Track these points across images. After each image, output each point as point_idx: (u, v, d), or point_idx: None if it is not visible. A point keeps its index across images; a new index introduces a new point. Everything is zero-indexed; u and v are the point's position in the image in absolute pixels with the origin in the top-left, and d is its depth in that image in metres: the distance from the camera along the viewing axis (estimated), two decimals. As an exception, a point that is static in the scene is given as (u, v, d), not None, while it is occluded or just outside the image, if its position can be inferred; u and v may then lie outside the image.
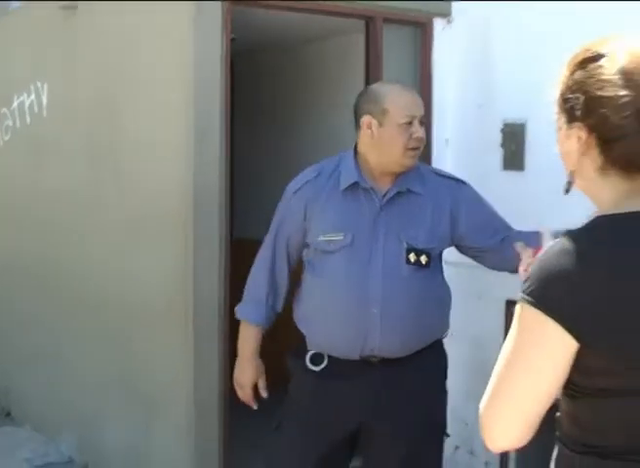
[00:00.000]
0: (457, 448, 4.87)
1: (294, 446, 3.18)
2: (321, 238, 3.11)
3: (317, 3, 4.40)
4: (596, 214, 1.56)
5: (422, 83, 4.81)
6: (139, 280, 4.46)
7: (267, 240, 3.28)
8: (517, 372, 1.54)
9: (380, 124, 3.06)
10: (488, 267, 3.30)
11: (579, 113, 1.55)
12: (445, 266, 4.49)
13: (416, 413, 3.11)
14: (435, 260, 3.17)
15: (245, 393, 3.27)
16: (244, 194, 6.18)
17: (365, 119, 3.10)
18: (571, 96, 1.58)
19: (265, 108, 6.27)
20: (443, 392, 3.31)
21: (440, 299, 3.24)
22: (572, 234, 1.53)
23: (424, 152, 4.75)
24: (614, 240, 1.51)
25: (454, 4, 4.78)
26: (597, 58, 1.56)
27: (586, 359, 1.48)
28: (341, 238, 3.07)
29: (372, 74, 4.65)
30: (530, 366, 1.52)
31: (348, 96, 5.08)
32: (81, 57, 4.98)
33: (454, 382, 4.76)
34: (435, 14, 4.78)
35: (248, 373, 3.25)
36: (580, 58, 1.60)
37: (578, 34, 4.03)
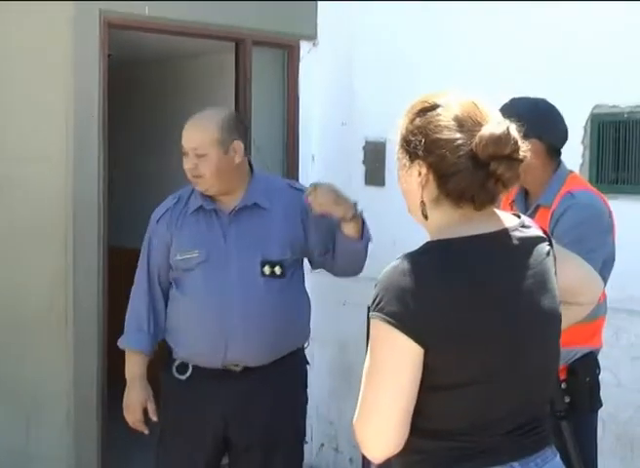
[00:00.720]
0: (322, 445, 5.17)
1: (175, 455, 3.31)
2: (178, 257, 3.26)
3: (190, 26, 4.62)
4: (428, 240, 1.86)
5: (289, 102, 5.12)
6: (21, 287, 4.56)
7: (140, 271, 3.38)
8: (378, 382, 1.77)
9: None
10: (338, 273, 3.51)
11: (420, 152, 1.83)
12: (310, 275, 4.78)
13: (275, 421, 3.25)
14: (292, 270, 3.30)
15: (135, 418, 3.32)
16: (121, 203, 6.31)
17: None
18: (412, 138, 1.85)
19: (140, 120, 6.42)
20: (304, 398, 3.46)
21: (299, 307, 3.37)
22: (409, 257, 1.80)
23: (292, 166, 5.10)
24: (444, 261, 1.80)
25: (319, 27, 5.07)
26: (434, 107, 1.85)
27: (427, 359, 1.76)
28: (197, 255, 3.22)
29: (240, 93, 4.93)
30: (389, 372, 1.76)
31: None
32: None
33: (319, 383, 5.08)
34: (302, 37, 5.08)
35: (135, 398, 3.31)
36: (418, 107, 1.88)
37: (439, 55, 4.43)
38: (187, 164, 3.24)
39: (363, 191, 4.89)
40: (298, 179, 5.06)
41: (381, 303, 1.77)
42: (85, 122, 4.28)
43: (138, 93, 6.28)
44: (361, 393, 1.81)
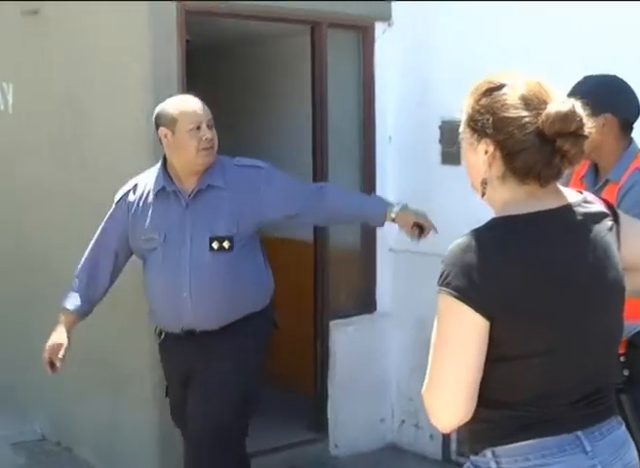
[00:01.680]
0: (403, 422, 5.24)
1: (169, 394, 3.90)
2: (142, 238, 3.68)
3: (266, 11, 4.69)
4: (494, 216, 1.92)
5: (365, 83, 5.16)
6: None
7: (92, 244, 3.84)
8: (446, 354, 1.85)
9: (173, 132, 3.56)
10: (321, 224, 4.13)
11: (488, 131, 1.89)
12: (391, 253, 4.85)
13: (218, 375, 3.60)
14: (242, 243, 3.60)
15: (44, 357, 3.74)
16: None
17: (160, 131, 3.62)
18: (480, 117, 1.91)
19: (217, 106, 6.52)
20: (253, 356, 3.72)
21: (248, 277, 3.65)
22: (475, 233, 1.87)
23: (369, 147, 5.15)
24: (509, 237, 1.86)
25: (393, 7, 5.10)
26: (500, 87, 1.91)
27: (492, 332, 1.83)
28: (157, 236, 3.61)
29: (317, 75, 4.98)
30: (455, 345, 1.83)
31: (298, 90, 5.45)
32: (45, 58, 5.23)
33: (399, 360, 5.15)
34: (376, 18, 5.11)
35: (48, 342, 3.75)
36: (484, 87, 1.94)
37: (515, 35, 4.43)
38: (208, 133, 3.57)
39: (439, 170, 4.93)
40: (374, 161, 5.13)
41: (448, 278, 1.84)
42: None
43: (215, 78, 6.39)
44: (429, 365, 1.89)
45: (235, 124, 6.41)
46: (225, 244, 3.55)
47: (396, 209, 3.75)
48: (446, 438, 4.96)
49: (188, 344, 3.64)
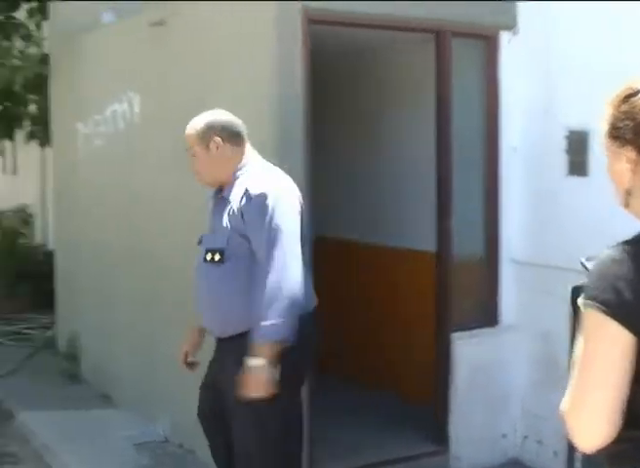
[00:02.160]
0: (525, 437, 5.13)
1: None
2: None
3: (390, 19, 4.68)
4: None
5: (489, 93, 5.08)
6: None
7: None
8: (590, 372, 1.79)
9: None
10: None
11: (629, 136, 1.87)
12: (514, 265, 4.74)
13: (228, 383, 3.41)
14: (235, 258, 3.44)
15: (179, 358, 3.84)
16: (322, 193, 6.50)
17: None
18: (621, 124, 1.89)
19: (342, 112, 6.55)
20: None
21: (237, 292, 3.45)
22: (622, 245, 1.83)
23: (492, 158, 5.08)
24: None
25: (519, 13, 5.01)
26: (638, 92, 1.89)
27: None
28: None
29: (441, 85, 4.94)
30: (602, 364, 1.78)
31: (420, 99, 5.42)
32: (171, 68, 5.36)
33: (521, 375, 5.05)
34: (501, 26, 5.03)
35: (185, 343, 3.85)
36: (623, 94, 1.92)
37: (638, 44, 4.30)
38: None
39: (565, 181, 4.82)
40: (499, 172, 5.05)
41: (596, 291, 1.80)
42: (290, 114, 4.44)
43: (337, 85, 6.42)
44: (572, 382, 1.83)
45: (358, 134, 6.43)
46: (216, 256, 3.47)
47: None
48: (570, 455, 4.82)
49: (217, 346, 3.70)
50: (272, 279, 3.30)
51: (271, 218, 3.35)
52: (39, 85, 8.17)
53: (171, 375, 5.42)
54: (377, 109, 6.28)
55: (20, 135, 9.83)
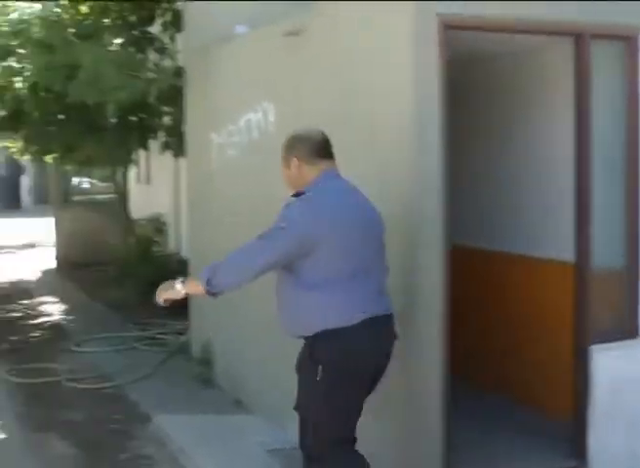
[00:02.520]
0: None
1: None
2: None
3: (528, 23, 4.59)
4: None
5: (630, 96, 4.93)
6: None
7: None
8: None
9: None
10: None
11: None
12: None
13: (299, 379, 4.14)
14: (296, 268, 3.91)
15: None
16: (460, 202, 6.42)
17: None
18: None
19: (476, 119, 6.47)
20: (309, 374, 3.99)
21: (289, 299, 4.00)
22: None
23: (633, 164, 4.93)
24: None
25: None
26: None
27: None
28: None
29: (580, 89, 4.81)
30: None
31: (558, 103, 5.30)
32: (305, 77, 5.41)
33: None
34: (640, 26, 4.87)
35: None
36: None
37: None
38: None
39: None
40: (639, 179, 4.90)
41: None
42: (427, 122, 4.42)
43: (472, 92, 6.33)
44: None
45: (493, 137, 6.33)
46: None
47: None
48: None
49: None
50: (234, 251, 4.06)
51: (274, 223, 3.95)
52: (173, 97, 8.38)
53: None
54: (511, 112, 6.17)
55: (154, 145, 10.11)
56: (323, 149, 4.04)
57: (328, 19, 5.16)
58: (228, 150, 6.50)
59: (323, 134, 4.09)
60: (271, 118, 5.82)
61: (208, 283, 3.93)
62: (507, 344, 6.04)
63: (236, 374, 6.58)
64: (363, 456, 4.02)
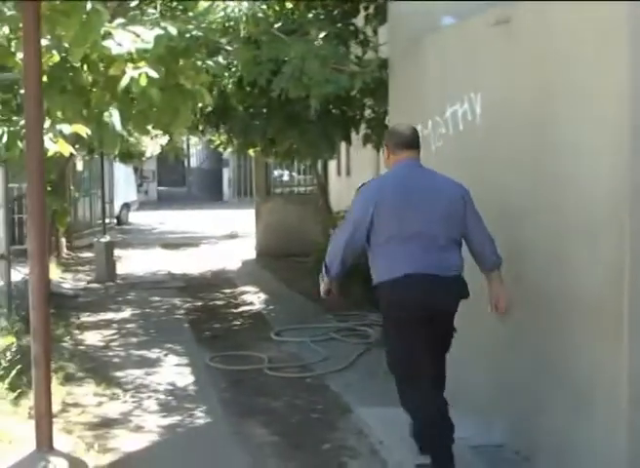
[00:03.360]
0: None
1: None
2: None
3: None
4: None
5: None
6: (570, 278, 4.69)
7: None
8: None
9: None
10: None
11: None
12: None
13: None
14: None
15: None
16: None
17: None
18: None
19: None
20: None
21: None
22: None
23: None
24: None
25: None
26: None
27: None
28: None
29: None
30: None
31: None
32: (513, 67, 5.26)
33: None
34: None
35: None
36: None
37: None
38: None
39: None
40: None
41: None
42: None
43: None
44: None
45: None
46: None
47: None
48: None
49: None
50: None
51: None
52: (374, 89, 8.38)
53: (511, 377, 5.34)
54: None
55: (354, 138, 10.17)
56: (407, 143, 5.04)
57: (537, 12, 5.00)
58: (434, 142, 6.43)
59: (413, 129, 5.15)
60: (478, 109, 5.71)
61: (326, 271, 5.05)
62: None
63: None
64: (426, 391, 4.90)
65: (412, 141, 5.05)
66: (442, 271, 4.81)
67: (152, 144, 21.83)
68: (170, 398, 6.91)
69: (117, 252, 14.23)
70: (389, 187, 4.95)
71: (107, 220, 17.43)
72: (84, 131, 4.73)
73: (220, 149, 17.92)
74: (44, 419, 4.29)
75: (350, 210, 5.07)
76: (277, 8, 8.62)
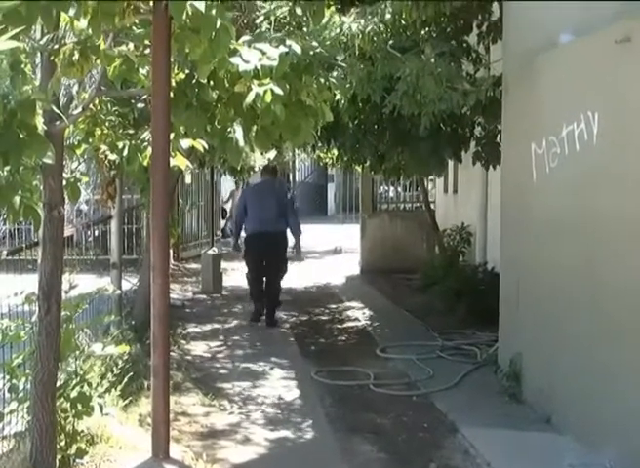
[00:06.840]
0: None
1: None
2: None
3: None
4: None
5: None
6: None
7: None
8: None
9: None
10: None
11: None
12: None
13: None
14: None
15: None
16: None
17: None
18: None
19: None
20: None
21: None
22: None
23: None
24: None
25: None
26: None
27: None
28: None
29: None
30: None
31: None
32: (633, 87, 5.15)
33: None
34: None
35: None
36: None
37: None
38: None
39: None
40: None
41: None
42: None
43: None
44: None
45: None
46: None
47: None
48: None
49: None
50: None
51: None
52: (485, 107, 8.32)
53: (620, 399, 5.22)
54: None
55: (463, 156, 10.13)
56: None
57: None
58: (548, 162, 6.35)
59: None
60: (594, 129, 5.61)
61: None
62: None
63: (547, 391, 6.39)
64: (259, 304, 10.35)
65: (271, 171, 10.77)
66: (267, 229, 10.59)
67: (260, 158, 22.14)
68: (276, 411, 6.96)
69: (223, 264, 14.42)
70: (251, 190, 11.18)
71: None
72: (200, 146, 4.84)
73: (327, 164, 18.01)
74: (161, 428, 4.38)
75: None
76: (391, 25, 8.65)
